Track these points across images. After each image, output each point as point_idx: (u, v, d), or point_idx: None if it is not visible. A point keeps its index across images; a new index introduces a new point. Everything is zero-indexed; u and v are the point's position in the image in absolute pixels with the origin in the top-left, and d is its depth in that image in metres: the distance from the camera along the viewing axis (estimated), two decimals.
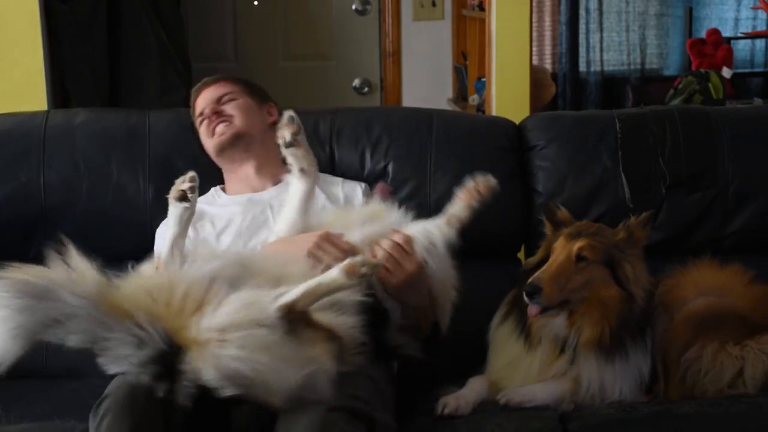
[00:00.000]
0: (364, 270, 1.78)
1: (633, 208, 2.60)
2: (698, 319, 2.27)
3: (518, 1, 3.45)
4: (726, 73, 4.86)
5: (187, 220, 2.03)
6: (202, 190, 2.57)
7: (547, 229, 2.33)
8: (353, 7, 5.15)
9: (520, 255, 2.76)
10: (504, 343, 2.31)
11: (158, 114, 2.75)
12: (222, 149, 2.52)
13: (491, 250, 2.68)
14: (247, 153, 2.53)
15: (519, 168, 2.73)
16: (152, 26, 4.01)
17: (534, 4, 3.61)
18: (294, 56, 5.15)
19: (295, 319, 1.80)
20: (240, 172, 2.55)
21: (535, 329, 2.23)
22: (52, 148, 2.63)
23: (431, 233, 2.18)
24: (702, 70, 4.87)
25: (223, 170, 2.61)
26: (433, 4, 5.09)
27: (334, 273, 1.80)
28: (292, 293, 1.79)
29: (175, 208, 2.04)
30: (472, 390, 2.23)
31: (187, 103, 2.72)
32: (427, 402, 2.19)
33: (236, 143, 2.51)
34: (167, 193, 2.58)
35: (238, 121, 2.52)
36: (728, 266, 2.40)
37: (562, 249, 2.22)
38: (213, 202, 2.56)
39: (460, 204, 2.19)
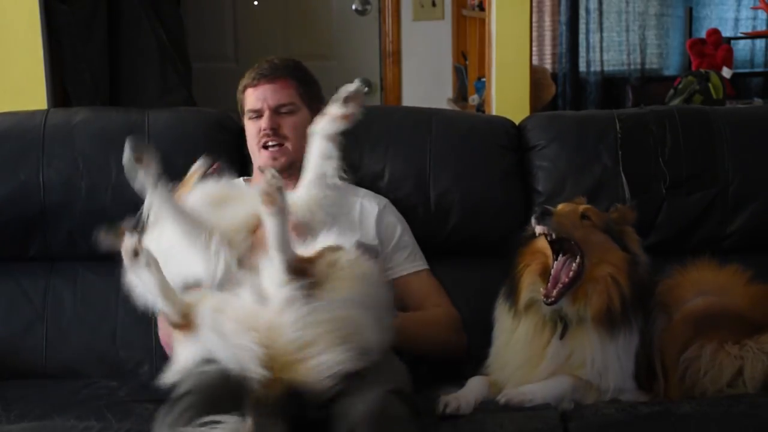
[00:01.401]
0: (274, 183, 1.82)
1: (633, 208, 2.60)
2: (697, 318, 2.27)
3: (518, 1, 3.45)
4: (726, 73, 4.86)
5: (157, 269, 1.90)
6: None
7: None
8: (353, 7, 5.15)
9: None
10: (503, 330, 2.31)
11: (158, 113, 2.75)
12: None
13: (491, 250, 2.68)
14: (292, 177, 2.39)
15: (518, 167, 2.73)
16: (152, 26, 4.01)
17: (534, 4, 3.61)
18: (294, 56, 5.10)
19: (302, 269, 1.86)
20: None
21: (523, 299, 2.24)
22: (52, 147, 2.63)
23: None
24: (702, 70, 4.87)
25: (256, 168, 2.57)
26: (433, 4, 5.10)
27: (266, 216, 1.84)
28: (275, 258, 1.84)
29: (136, 272, 1.90)
30: (473, 389, 2.23)
31: (187, 102, 2.72)
32: (428, 401, 2.19)
33: (288, 170, 2.43)
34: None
35: (292, 146, 2.45)
36: (728, 266, 2.40)
37: (566, 206, 2.26)
38: None
39: (335, 123, 2.14)
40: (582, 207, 2.26)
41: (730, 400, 2.18)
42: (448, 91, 5.20)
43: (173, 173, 2.63)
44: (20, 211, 2.60)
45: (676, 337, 2.26)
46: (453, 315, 2.47)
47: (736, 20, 6.22)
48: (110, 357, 2.58)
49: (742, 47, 6.11)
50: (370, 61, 5.13)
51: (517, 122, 2.82)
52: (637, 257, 2.23)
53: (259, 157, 2.50)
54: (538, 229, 2.16)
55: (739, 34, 6.09)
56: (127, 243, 1.88)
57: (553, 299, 2.16)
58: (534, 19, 3.77)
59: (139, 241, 1.89)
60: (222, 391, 1.84)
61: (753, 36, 6.13)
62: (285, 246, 1.86)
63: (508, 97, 3.49)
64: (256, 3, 5.22)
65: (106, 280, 2.63)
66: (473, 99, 4.68)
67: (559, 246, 2.18)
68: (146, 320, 2.57)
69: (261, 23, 5.21)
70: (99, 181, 2.61)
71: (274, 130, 2.44)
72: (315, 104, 2.48)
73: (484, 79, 4.14)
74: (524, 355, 2.24)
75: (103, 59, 3.89)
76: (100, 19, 3.88)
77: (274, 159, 2.44)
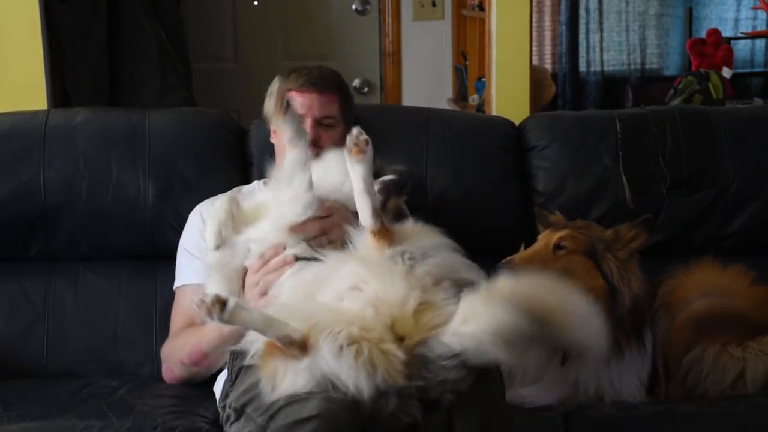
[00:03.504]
0: (358, 137, 1.91)
1: (633, 208, 2.60)
2: (700, 320, 2.27)
3: (518, 1, 3.45)
4: (726, 73, 4.86)
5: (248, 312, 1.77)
6: (205, 191, 2.59)
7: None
8: (353, 7, 5.15)
9: None
10: None
11: (158, 113, 2.75)
12: None
13: (491, 251, 2.67)
14: None
15: (518, 168, 2.73)
16: (152, 26, 4.01)
17: (534, 4, 3.61)
18: (294, 56, 5.14)
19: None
20: None
21: None
22: (53, 148, 2.63)
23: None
24: (702, 70, 4.87)
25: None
26: (433, 4, 5.10)
27: (351, 165, 1.92)
28: (364, 215, 1.91)
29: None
30: None
31: (187, 102, 2.71)
32: None
33: None
34: (168, 192, 2.61)
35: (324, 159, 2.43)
36: (731, 267, 2.40)
37: (543, 238, 2.26)
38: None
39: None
40: (558, 236, 2.23)
41: (730, 401, 2.18)
42: (448, 91, 5.20)
43: (173, 173, 2.65)
44: (21, 212, 2.60)
45: (679, 338, 2.26)
46: None
47: (736, 20, 6.22)
48: (110, 357, 2.58)
49: (742, 47, 6.11)
50: (370, 61, 5.12)
51: (517, 122, 2.82)
52: (618, 289, 2.19)
53: None
54: None
55: (739, 34, 6.09)
56: (208, 302, 1.71)
57: None
58: (534, 19, 3.77)
59: (218, 297, 1.71)
60: (352, 418, 1.74)
61: (753, 36, 6.13)
62: (371, 191, 1.93)
63: (508, 97, 3.49)
64: (256, 3, 5.22)
65: (106, 280, 2.64)
66: (473, 99, 4.68)
67: None
68: (146, 320, 2.58)
69: (261, 23, 5.21)
70: (100, 181, 2.61)
71: (315, 141, 2.42)
72: (350, 119, 2.51)
73: (484, 79, 4.14)
74: (527, 379, 2.24)
75: (103, 59, 3.89)
76: (100, 19, 3.88)
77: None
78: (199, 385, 2.36)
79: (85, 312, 2.61)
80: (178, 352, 2.34)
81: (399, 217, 2.26)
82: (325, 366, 1.73)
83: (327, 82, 2.50)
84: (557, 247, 2.21)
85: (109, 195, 2.61)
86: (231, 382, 2.03)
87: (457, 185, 2.67)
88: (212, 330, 2.22)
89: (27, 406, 2.25)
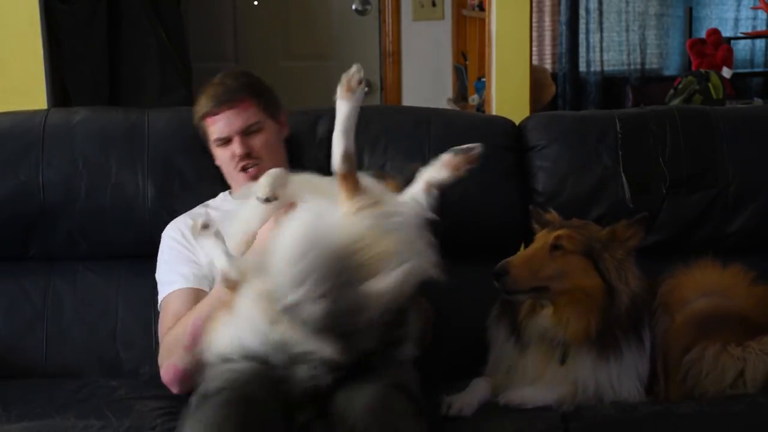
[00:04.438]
0: (354, 76, 2.02)
1: (633, 208, 2.60)
2: (700, 320, 2.27)
3: (518, 1, 3.45)
4: (726, 73, 4.87)
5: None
6: (204, 191, 2.59)
7: (538, 233, 2.34)
8: (353, 7, 5.15)
9: None
10: (500, 345, 2.31)
11: (158, 112, 2.75)
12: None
13: (490, 250, 2.67)
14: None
15: (518, 167, 2.73)
16: (152, 26, 4.02)
17: (534, 4, 3.61)
18: (294, 56, 5.15)
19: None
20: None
21: (525, 328, 2.23)
22: (52, 147, 2.62)
23: (402, 205, 2.10)
24: (702, 70, 4.88)
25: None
26: (433, 4, 5.10)
27: (340, 101, 2.01)
28: (336, 154, 1.97)
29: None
30: (476, 391, 2.23)
31: (187, 102, 2.71)
32: (429, 401, 2.19)
33: None
34: (167, 191, 2.61)
35: (268, 161, 2.44)
36: (731, 266, 2.39)
37: (540, 238, 2.25)
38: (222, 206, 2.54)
39: (443, 170, 2.12)
40: (555, 235, 2.22)
41: (729, 400, 2.18)
42: (448, 91, 5.20)
43: (172, 172, 2.65)
44: (20, 211, 2.59)
45: (678, 338, 2.26)
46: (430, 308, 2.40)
47: (736, 20, 6.22)
48: (110, 357, 2.58)
49: (742, 47, 6.12)
50: (370, 61, 5.13)
51: (517, 122, 2.82)
52: (616, 287, 2.18)
53: (237, 179, 2.49)
54: (498, 285, 2.18)
55: (739, 34, 6.10)
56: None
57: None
58: (534, 19, 3.77)
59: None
60: (259, 389, 1.84)
61: (753, 36, 6.14)
62: (349, 133, 1.99)
63: (508, 97, 3.49)
64: (256, 3, 5.23)
65: (106, 279, 2.63)
66: (473, 99, 4.68)
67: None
68: (146, 319, 2.58)
69: (261, 23, 5.21)
70: (99, 181, 2.61)
71: (248, 154, 2.44)
72: (275, 111, 2.52)
73: (484, 79, 4.14)
74: (527, 378, 2.24)
75: (103, 59, 3.90)
76: (100, 19, 3.88)
77: (255, 177, 2.38)
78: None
79: (84, 311, 2.61)
80: (179, 340, 2.25)
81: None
82: (237, 329, 1.88)
83: (235, 92, 2.46)
84: (554, 247, 2.21)
85: (108, 194, 2.60)
86: None
87: (457, 185, 2.66)
88: (205, 301, 2.23)
89: (26, 406, 2.25)
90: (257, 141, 2.46)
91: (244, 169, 2.46)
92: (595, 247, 2.21)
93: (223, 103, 2.45)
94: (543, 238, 2.24)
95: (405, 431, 1.86)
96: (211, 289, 2.31)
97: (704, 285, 2.34)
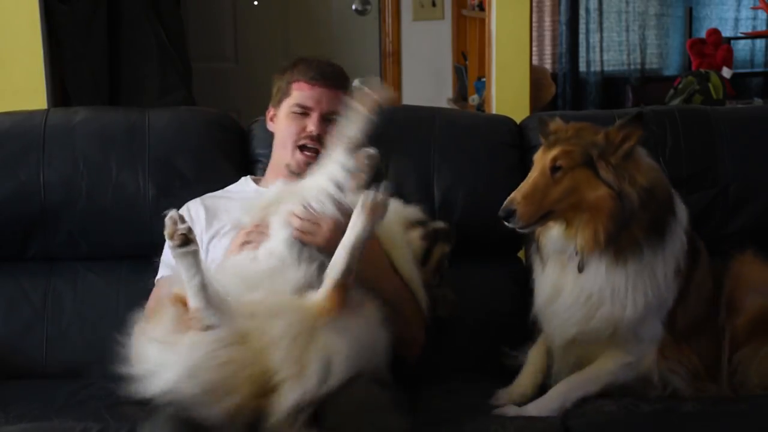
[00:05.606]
0: (379, 200, 1.86)
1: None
2: (754, 319, 2.26)
3: (518, 1, 3.45)
4: (726, 73, 4.87)
5: (200, 262, 1.75)
6: (204, 191, 2.59)
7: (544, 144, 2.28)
8: (353, 7, 5.15)
9: (521, 254, 2.76)
10: (534, 268, 2.31)
11: (158, 112, 2.75)
12: (299, 173, 2.42)
13: (491, 249, 2.68)
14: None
15: (521, 164, 2.73)
16: (152, 26, 4.02)
17: (534, 4, 3.61)
18: (294, 56, 5.13)
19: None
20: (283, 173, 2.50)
21: (542, 245, 2.22)
22: (52, 147, 2.62)
23: (333, 178, 2.08)
24: (702, 70, 4.88)
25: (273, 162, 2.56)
26: (433, 4, 5.10)
27: (357, 218, 1.85)
28: (335, 267, 1.83)
29: (181, 257, 1.74)
30: (525, 381, 2.27)
31: (187, 102, 2.71)
32: (430, 399, 2.19)
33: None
34: (167, 191, 2.60)
35: (323, 154, 2.35)
36: None
37: (537, 162, 2.20)
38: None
39: (356, 119, 2.06)
40: (551, 157, 2.16)
41: (731, 400, 2.18)
42: (448, 91, 5.20)
43: (173, 173, 2.65)
44: (20, 211, 2.59)
45: (735, 335, 2.26)
46: (422, 309, 2.36)
47: (736, 20, 6.23)
48: (110, 357, 2.57)
49: (742, 47, 6.12)
50: (370, 61, 5.13)
51: (517, 122, 2.82)
52: (623, 191, 2.12)
53: (292, 155, 2.46)
54: (510, 226, 2.15)
55: (739, 34, 6.10)
56: (179, 225, 1.73)
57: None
58: (534, 19, 3.78)
59: (191, 230, 1.75)
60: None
61: (753, 36, 6.14)
62: (357, 253, 1.86)
63: (508, 97, 3.49)
64: (256, 3, 5.23)
65: (106, 280, 2.63)
66: (473, 99, 4.68)
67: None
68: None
69: (261, 23, 5.21)
70: (99, 181, 2.61)
71: (320, 137, 2.41)
72: None
73: (484, 79, 4.14)
74: (553, 293, 2.23)
75: (103, 59, 3.90)
76: (100, 19, 3.89)
77: (308, 165, 2.37)
78: None
79: (84, 312, 2.60)
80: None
81: (439, 270, 2.27)
82: (176, 375, 1.80)
83: (338, 79, 2.49)
84: (554, 168, 2.16)
85: (108, 194, 2.60)
86: None
87: (462, 181, 2.67)
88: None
89: (25, 407, 2.25)
90: (330, 130, 2.40)
91: (303, 148, 2.44)
92: (593, 155, 2.15)
93: (327, 78, 2.47)
94: (540, 161, 2.18)
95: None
96: None
97: (754, 282, 2.31)
